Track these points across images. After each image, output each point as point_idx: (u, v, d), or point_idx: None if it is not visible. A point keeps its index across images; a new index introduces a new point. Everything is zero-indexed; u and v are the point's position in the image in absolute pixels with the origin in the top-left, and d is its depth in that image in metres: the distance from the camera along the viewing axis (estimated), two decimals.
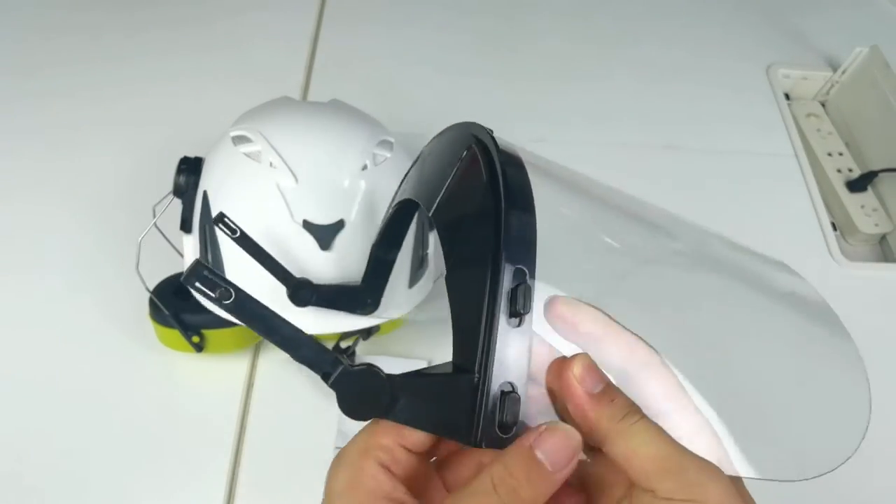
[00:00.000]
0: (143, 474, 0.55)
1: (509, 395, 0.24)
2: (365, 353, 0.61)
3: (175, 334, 0.55)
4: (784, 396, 0.28)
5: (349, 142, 0.48)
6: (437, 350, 0.62)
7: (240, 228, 0.30)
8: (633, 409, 0.25)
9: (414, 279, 0.53)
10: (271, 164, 0.47)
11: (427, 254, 0.55)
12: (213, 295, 0.24)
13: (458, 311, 0.26)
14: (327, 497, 0.27)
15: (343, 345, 0.58)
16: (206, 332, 0.56)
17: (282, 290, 0.48)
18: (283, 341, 0.25)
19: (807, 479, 0.24)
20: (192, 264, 0.25)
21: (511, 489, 0.23)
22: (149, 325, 0.57)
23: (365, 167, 0.48)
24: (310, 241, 0.47)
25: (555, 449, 0.23)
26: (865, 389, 0.26)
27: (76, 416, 0.57)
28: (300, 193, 0.44)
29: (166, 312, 0.54)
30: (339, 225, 0.47)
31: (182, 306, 0.54)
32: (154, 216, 0.53)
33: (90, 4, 0.90)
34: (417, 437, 0.27)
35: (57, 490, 0.54)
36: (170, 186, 0.52)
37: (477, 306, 0.24)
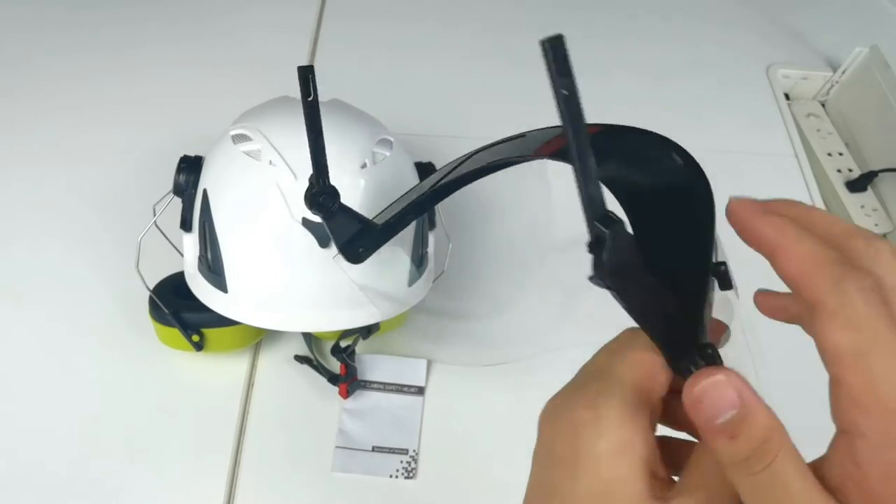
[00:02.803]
0: (143, 473, 0.55)
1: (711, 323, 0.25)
2: (364, 352, 0.61)
3: (175, 333, 0.55)
4: None
5: (348, 140, 0.49)
6: (437, 350, 0.62)
7: (314, 92, 0.29)
8: None
9: (413, 277, 0.53)
10: (271, 163, 0.47)
11: (427, 252, 0.55)
12: None
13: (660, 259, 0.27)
14: (571, 460, 0.21)
15: (343, 343, 0.58)
16: (205, 330, 0.56)
17: (283, 303, 0.47)
18: (581, 166, 0.23)
19: None
20: None
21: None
22: (149, 324, 0.57)
23: (364, 165, 0.48)
24: (309, 238, 0.47)
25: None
26: None
27: (76, 413, 0.57)
28: (299, 191, 0.44)
29: (166, 311, 0.54)
30: None
31: (182, 305, 0.54)
32: (154, 215, 0.53)
33: (91, 1, 0.90)
34: (663, 380, 0.23)
35: (54, 489, 0.54)
36: (170, 185, 0.52)
37: (693, 260, 0.26)
